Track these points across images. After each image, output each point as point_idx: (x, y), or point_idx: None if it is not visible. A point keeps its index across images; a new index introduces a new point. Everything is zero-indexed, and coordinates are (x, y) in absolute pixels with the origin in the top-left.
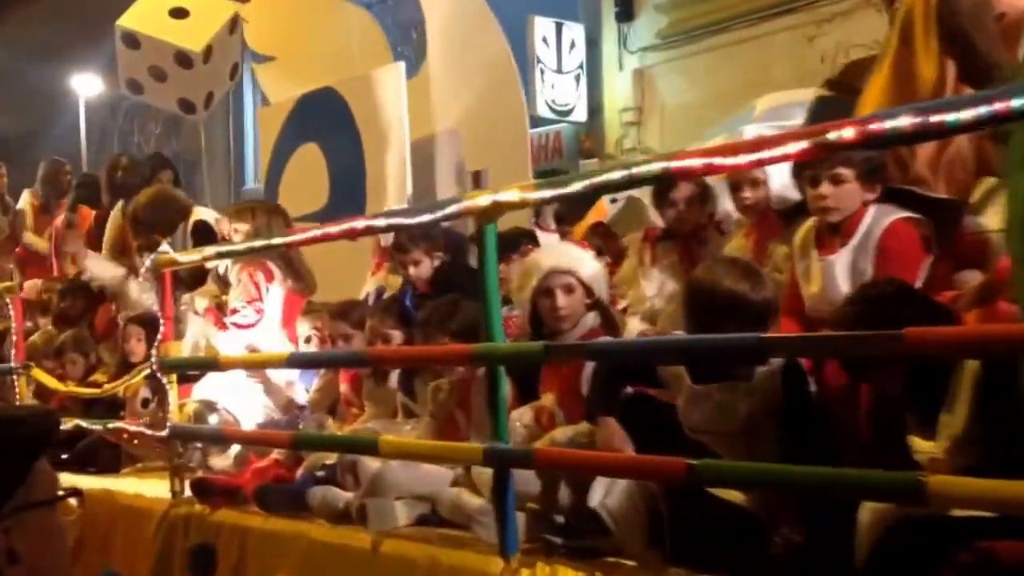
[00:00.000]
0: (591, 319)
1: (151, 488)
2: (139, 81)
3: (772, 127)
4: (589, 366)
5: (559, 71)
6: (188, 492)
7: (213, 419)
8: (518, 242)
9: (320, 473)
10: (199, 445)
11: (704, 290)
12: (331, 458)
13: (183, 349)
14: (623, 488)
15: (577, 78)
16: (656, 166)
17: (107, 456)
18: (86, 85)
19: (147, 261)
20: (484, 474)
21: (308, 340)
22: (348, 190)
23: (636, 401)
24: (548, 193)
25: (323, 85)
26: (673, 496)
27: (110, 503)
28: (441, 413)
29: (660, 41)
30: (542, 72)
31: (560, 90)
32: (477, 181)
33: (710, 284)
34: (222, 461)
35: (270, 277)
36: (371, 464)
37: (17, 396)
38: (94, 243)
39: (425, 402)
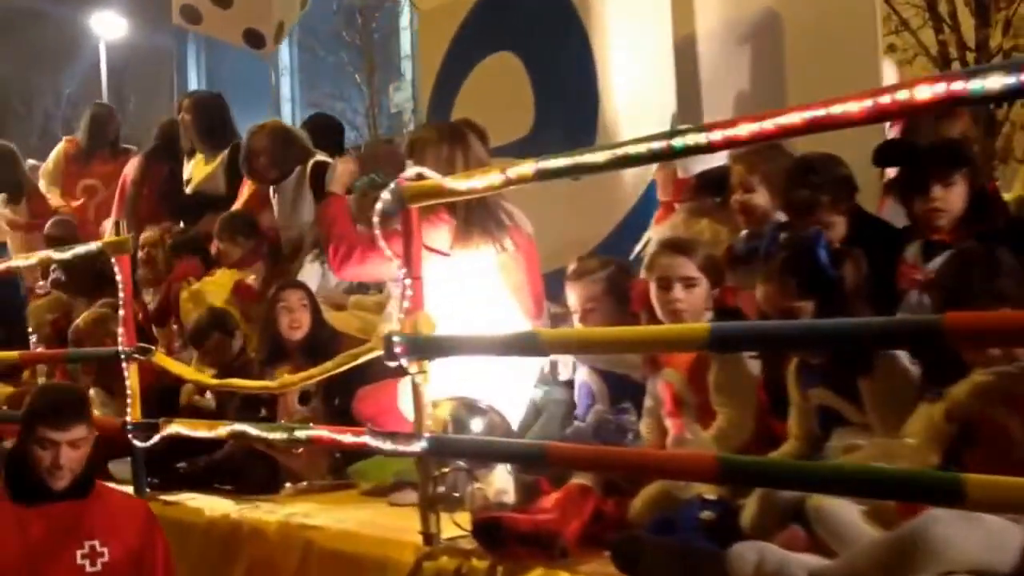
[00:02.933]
0: None
1: (361, 521)
2: (197, 8)
3: None
4: None
5: None
6: (447, 534)
7: (476, 424)
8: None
9: (706, 514)
10: (462, 464)
11: None
12: (699, 488)
13: None
14: None
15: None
16: None
17: (260, 471)
18: (107, 26)
19: (385, 194)
20: None
21: (589, 312)
22: (567, 112)
23: None
24: None
25: None
26: None
27: (301, 544)
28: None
29: None
30: None
31: None
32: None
33: None
34: (490, 488)
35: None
36: (844, 511)
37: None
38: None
39: (881, 409)
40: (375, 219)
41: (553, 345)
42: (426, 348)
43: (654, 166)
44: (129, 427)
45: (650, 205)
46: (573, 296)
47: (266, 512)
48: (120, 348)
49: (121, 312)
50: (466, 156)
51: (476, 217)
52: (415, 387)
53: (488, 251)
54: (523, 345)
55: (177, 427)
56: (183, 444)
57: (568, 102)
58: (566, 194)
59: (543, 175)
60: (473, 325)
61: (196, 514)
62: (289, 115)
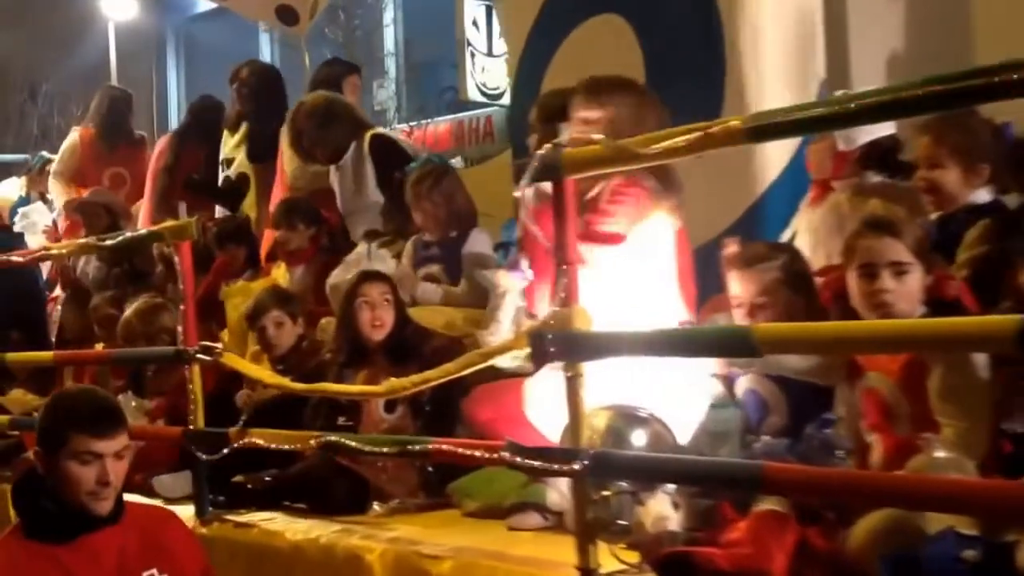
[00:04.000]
0: None
1: (484, 550)
2: None
3: None
4: None
5: (490, 54)
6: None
7: (638, 437)
8: None
9: (969, 554)
10: (626, 485)
11: None
12: (945, 519)
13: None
14: None
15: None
16: None
17: (346, 487)
18: (117, 9)
19: (534, 162)
20: None
21: (760, 308)
22: (685, 82)
23: None
24: None
25: None
26: None
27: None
28: None
29: None
30: (472, 55)
31: (491, 74)
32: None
33: None
34: (647, 514)
35: (648, 201)
36: None
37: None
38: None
39: None
40: (523, 195)
41: (772, 344)
42: (587, 347)
43: (798, 139)
44: (190, 437)
45: (795, 183)
46: (740, 288)
47: (363, 536)
48: (181, 347)
49: (181, 307)
50: (658, 116)
51: (669, 185)
52: (572, 393)
53: (668, 227)
54: (731, 344)
55: (251, 437)
56: (241, 453)
57: (686, 70)
58: (687, 168)
59: (758, 134)
60: (632, 316)
61: (276, 537)
62: None
